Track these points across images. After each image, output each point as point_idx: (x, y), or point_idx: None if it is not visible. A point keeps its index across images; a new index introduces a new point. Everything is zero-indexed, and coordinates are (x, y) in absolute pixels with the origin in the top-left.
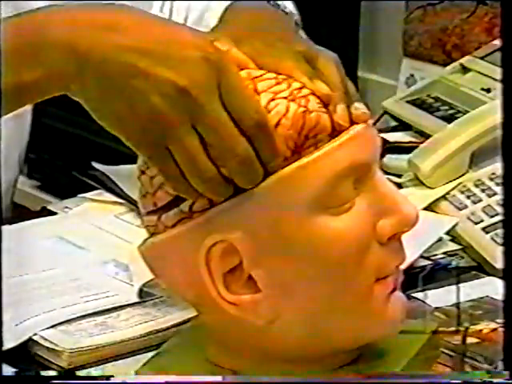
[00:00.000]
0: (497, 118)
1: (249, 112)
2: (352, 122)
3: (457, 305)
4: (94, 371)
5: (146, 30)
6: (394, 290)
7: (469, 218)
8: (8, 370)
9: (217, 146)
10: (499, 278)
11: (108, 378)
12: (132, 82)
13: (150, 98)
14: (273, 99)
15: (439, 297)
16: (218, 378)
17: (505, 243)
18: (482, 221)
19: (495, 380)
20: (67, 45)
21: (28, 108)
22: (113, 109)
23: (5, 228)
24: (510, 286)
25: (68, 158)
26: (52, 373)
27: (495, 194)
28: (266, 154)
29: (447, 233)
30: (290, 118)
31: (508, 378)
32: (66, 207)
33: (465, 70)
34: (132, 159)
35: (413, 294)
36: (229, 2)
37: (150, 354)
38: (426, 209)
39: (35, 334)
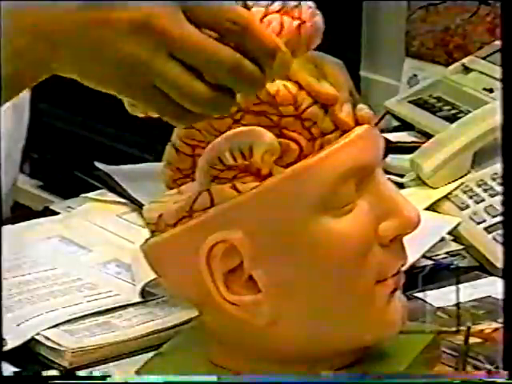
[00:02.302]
0: (499, 118)
1: (220, 17)
2: (356, 123)
3: (457, 305)
4: (95, 371)
5: None
6: (395, 291)
7: (471, 218)
8: (11, 370)
9: (201, 64)
10: (501, 277)
11: (107, 378)
12: (98, 35)
13: (118, 44)
14: (265, 15)
15: (441, 297)
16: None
17: (504, 243)
18: (484, 221)
19: (495, 380)
20: (34, 29)
21: (26, 103)
22: (93, 69)
23: (7, 228)
24: (509, 286)
25: (70, 157)
26: (52, 373)
27: (497, 193)
28: (260, 51)
29: (449, 233)
30: (286, 34)
31: (508, 378)
32: (69, 207)
33: (467, 70)
34: (135, 159)
35: (415, 294)
36: None
37: (152, 354)
38: (428, 209)
39: (38, 334)
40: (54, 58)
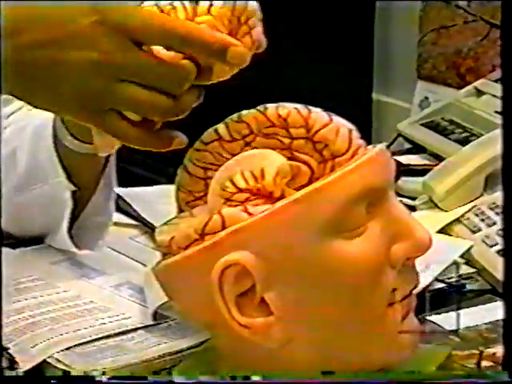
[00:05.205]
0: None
1: (159, 35)
2: (355, 148)
3: (456, 330)
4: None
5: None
6: (407, 314)
7: (483, 241)
8: None
9: (157, 79)
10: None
11: (110, 378)
12: (50, 73)
13: (74, 83)
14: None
15: (454, 320)
16: (221, 379)
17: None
18: (496, 244)
19: (495, 380)
20: None
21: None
22: (48, 99)
23: (21, 249)
24: (509, 285)
25: None
26: (52, 373)
27: None
28: (208, 54)
29: (462, 256)
30: None
31: (508, 378)
32: None
33: (479, 92)
34: (147, 181)
35: (427, 317)
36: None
37: None
38: (440, 232)
39: (49, 357)
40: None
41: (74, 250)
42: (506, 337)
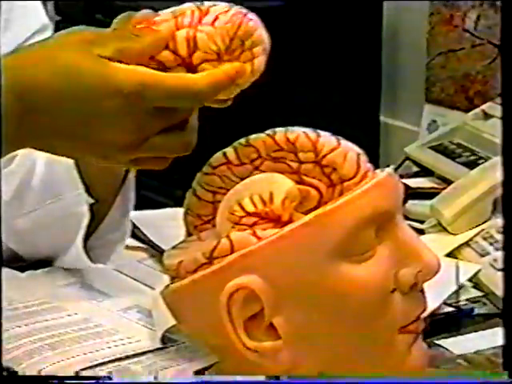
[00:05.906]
0: None
1: (180, 101)
2: (364, 172)
3: (458, 356)
4: None
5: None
6: (415, 338)
7: (491, 265)
8: None
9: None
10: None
11: (109, 378)
12: (79, 148)
13: (105, 156)
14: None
15: (462, 344)
16: (221, 378)
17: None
18: None
19: (495, 380)
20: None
21: None
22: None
23: (29, 272)
24: (509, 283)
25: None
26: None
27: None
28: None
29: (470, 279)
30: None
31: (508, 378)
32: None
33: (487, 116)
34: (155, 204)
35: (435, 341)
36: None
37: None
38: (448, 255)
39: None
40: (32, 124)
41: (89, 264)
42: (506, 337)
